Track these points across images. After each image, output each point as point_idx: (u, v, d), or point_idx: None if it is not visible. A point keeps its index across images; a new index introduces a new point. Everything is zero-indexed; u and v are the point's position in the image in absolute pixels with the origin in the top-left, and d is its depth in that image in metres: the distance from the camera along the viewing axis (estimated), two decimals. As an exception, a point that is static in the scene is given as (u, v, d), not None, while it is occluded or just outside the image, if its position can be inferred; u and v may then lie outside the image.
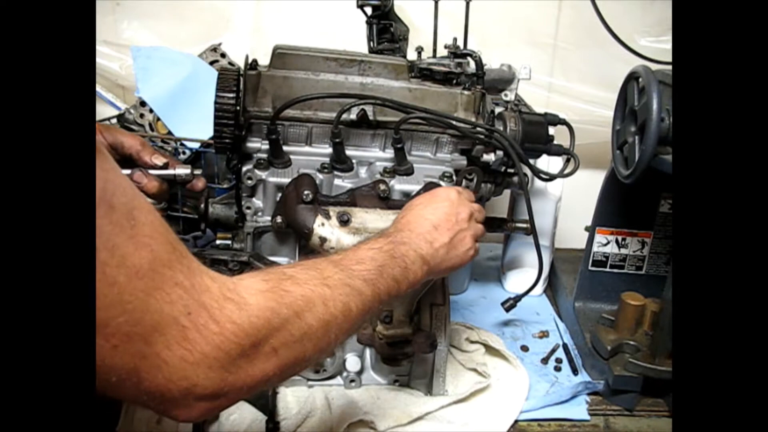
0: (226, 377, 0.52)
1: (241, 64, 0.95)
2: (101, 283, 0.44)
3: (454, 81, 1.01)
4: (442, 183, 0.98)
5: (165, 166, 0.88)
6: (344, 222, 0.89)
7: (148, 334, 0.47)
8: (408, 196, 0.97)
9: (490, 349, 1.13)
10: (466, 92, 0.99)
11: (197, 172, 0.92)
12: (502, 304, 1.18)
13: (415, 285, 0.77)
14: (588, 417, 1.03)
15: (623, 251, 1.23)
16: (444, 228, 0.82)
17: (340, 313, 0.63)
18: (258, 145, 0.95)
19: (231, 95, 0.90)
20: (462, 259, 0.85)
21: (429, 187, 0.95)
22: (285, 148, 0.96)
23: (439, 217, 0.82)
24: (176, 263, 0.50)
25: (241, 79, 0.93)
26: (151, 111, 1.27)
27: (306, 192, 0.90)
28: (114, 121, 1.29)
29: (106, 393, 0.48)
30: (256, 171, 0.95)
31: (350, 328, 0.65)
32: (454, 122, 0.97)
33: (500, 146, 0.98)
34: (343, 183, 0.97)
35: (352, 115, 0.94)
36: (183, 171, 0.90)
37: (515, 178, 1.04)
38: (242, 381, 0.53)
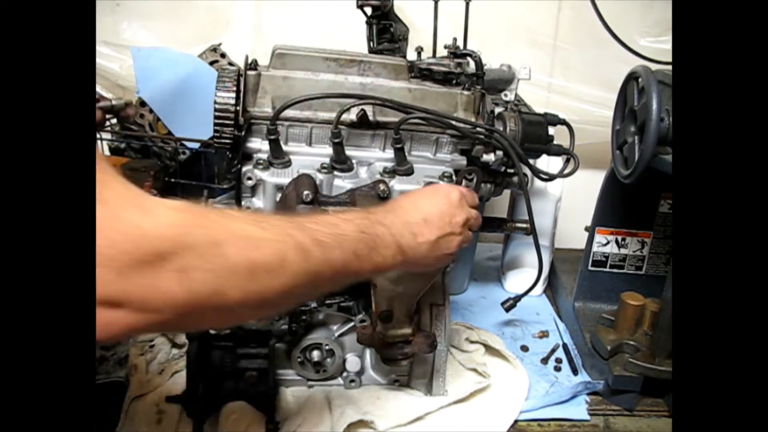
0: (121, 281, 0.48)
1: (241, 64, 0.95)
2: None
3: (454, 81, 1.01)
4: (442, 183, 0.98)
5: (97, 101, 1.01)
6: (344, 222, 0.89)
7: None
8: (408, 196, 0.97)
9: (490, 349, 1.13)
10: (465, 92, 0.99)
11: (128, 101, 1.06)
12: (502, 304, 1.18)
13: (383, 270, 0.73)
14: (588, 417, 1.03)
15: (623, 251, 1.23)
16: (434, 225, 0.78)
17: (274, 259, 0.58)
18: (258, 145, 0.95)
19: (231, 95, 0.90)
20: (439, 262, 0.81)
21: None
22: (285, 148, 0.96)
23: (433, 212, 0.79)
24: (107, 182, 0.50)
25: (241, 79, 0.93)
26: (151, 111, 1.27)
27: (306, 192, 0.90)
28: (114, 121, 1.29)
29: None
30: (256, 171, 0.95)
31: (286, 282, 0.59)
32: (453, 122, 0.97)
33: (500, 146, 0.98)
34: (343, 183, 0.97)
35: (352, 116, 0.94)
36: (117, 101, 1.05)
37: (515, 178, 1.04)
38: (142, 293, 0.50)
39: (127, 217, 0.50)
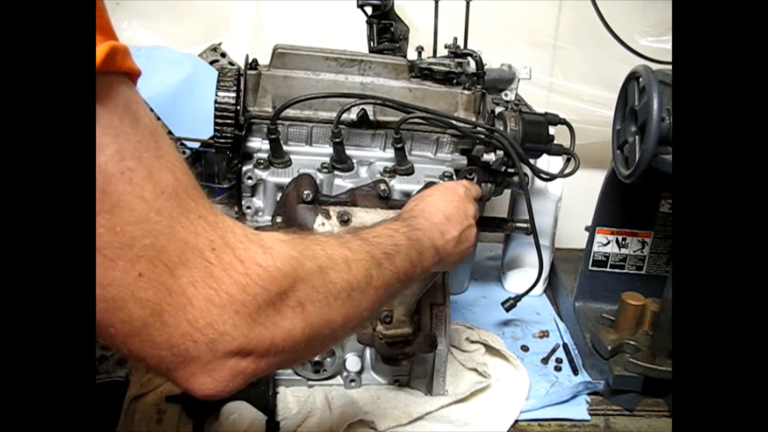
0: (253, 327, 0.47)
1: (241, 64, 0.95)
2: (129, 194, 0.43)
3: (455, 81, 1.01)
4: (443, 181, 0.98)
5: None
6: (345, 222, 0.89)
7: (173, 264, 0.44)
8: (408, 196, 0.97)
9: (490, 349, 1.13)
10: (466, 92, 0.99)
11: None
12: (502, 304, 1.18)
13: (426, 273, 0.75)
14: (588, 417, 1.03)
15: (623, 251, 1.23)
16: (455, 221, 0.81)
17: (363, 278, 0.59)
18: (258, 144, 0.95)
19: (231, 95, 0.90)
20: (463, 255, 0.84)
21: (429, 186, 0.95)
22: (285, 147, 0.96)
23: (451, 210, 0.82)
24: (198, 198, 0.48)
25: (242, 78, 0.93)
26: (151, 111, 1.27)
27: (306, 192, 0.90)
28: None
29: (127, 344, 0.45)
30: (257, 171, 0.95)
31: (373, 299, 0.61)
32: (454, 122, 0.97)
33: (500, 146, 0.98)
34: (343, 183, 0.97)
35: (353, 115, 0.94)
36: None
37: (515, 178, 1.04)
38: (270, 335, 0.49)
39: (251, 257, 0.49)
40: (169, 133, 1.27)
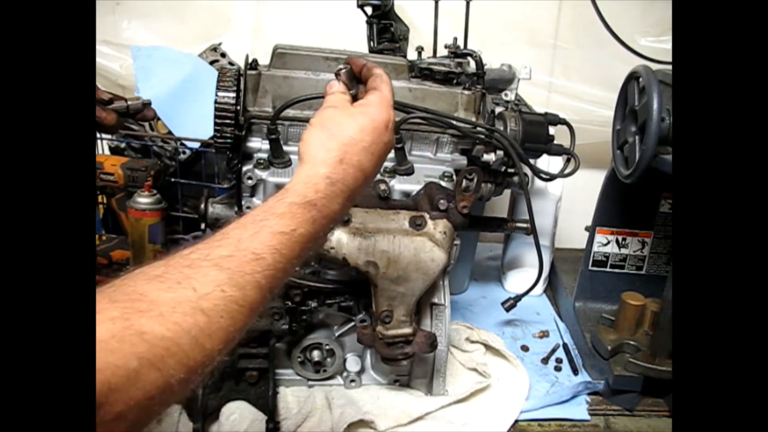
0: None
1: (241, 64, 0.95)
2: None
3: (455, 81, 1.01)
4: (442, 183, 0.98)
5: (110, 102, 0.91)
6: (344, 222, 0.89)
7: None
8: (408, 196, 0.97)
9: (490, 349, 1.13)
10: (466, 92, 0.99)
11: (146, 101, 0.95)
12: (502, 304, 1.18)
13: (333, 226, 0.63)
14: (588, 417, 1.03)
15: (623, 251, 1.23)
16: (372, 149, 0.65)
17: (222, 341, 0.49)
18: (258, 144, 0.95)
19: (231, 95, 0.90)
20: (385, 150, 0.68)
21: (429, 186, 0.95)
22: (285, 147, 0.96)
23: (369, 136, 0.65)
24: None
25: (242, 78, 0.93)
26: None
27: (306, 192, 0.89)
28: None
29: None
30: (257, 171, 0.95)
31: (234, 344, 0.52)
32: (454, 122, 0.97)
33: (500, 146, 0.98)
34: (343, 183, 0.96)
35: (353, 115, 0.94)
36: (133, 102, 0.93)
37: (515, 178, 1.04)
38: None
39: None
40: (169, 132, 1.27)
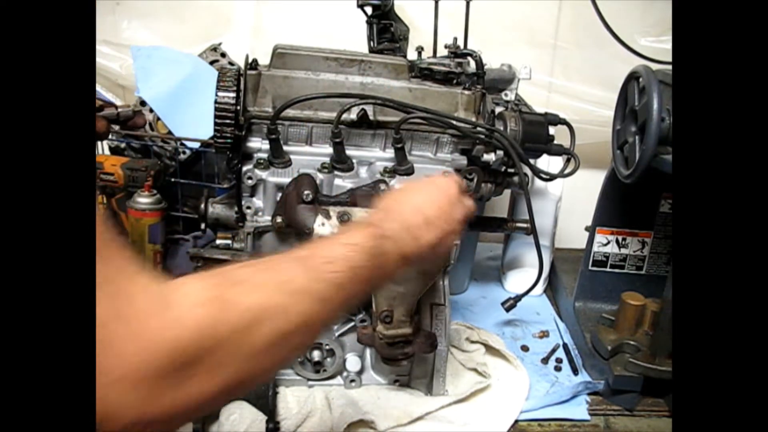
0: (152, 399, 0.45)
1: (241, 64, 0.95)
2: None
3: (455, 81, 1.01)
4: (437, 176, 0.97)
5: (101, 109, 0.93)
6: (344, 222, 0.89)
7: None
8: (408, 196, 0.97)
9: (490, 349, 1.13)
10: (466, 92, 0.99)
11: (137, 109, 0.96)
12: (502, 304, 1.18)
13: (388, 282, 0.71)
14: (588, 417, 1.03)
15: (623, 251, 1.23)
16: (434, 225, 0.73)
17: (301, 323, 0.55)
18: (258, 144, 0.95)
19: (231, 95, 0.90)
20: (438, 260, 0.78)
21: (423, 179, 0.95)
22: (285, 147, 0.96)
23: (434, 212, 0.74)
24: (102, 266, 0.44)
25: (242, 78, 0.93)
26: (151, 111, 1.27)
27: (306, 192, 0.90)
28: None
29: None
30: (257, 171, 0.95)
31: (310, 340, 0.58)
32: (454, 122, 0.97)
33: (500, 146, 0.98)
34: (343, 183, 0.97)
35: (353, 115, 0.94)
36: (124, 109, 0.95)
37: (515, 178, 1.04)
38: (169, 408, 0.46)
39: (152, 330, 0.45)
40: (169, 132, 1.27)
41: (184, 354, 0.46)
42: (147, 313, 0.46)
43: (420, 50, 1.12)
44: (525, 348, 1.19)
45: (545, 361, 1.16)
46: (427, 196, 0.76)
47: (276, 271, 0.56)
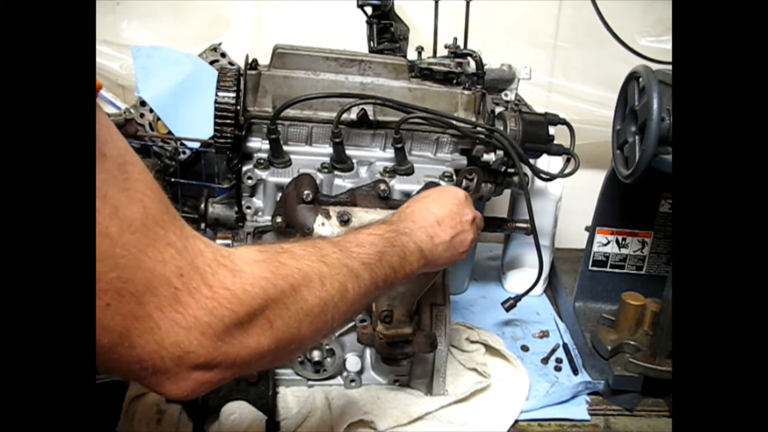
0: (219, 345, 0.50)
1: (241, 64, 0.95)
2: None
3: (455, 81, 1.01)
4: (442, 183, 0.98)
5: None
6: (344, 222, 0.89)
7: (140, 293, 0.46)
8: (408, 196, 0.97)
9: (490, 349, 1.13)
10: (466, 92, 0.99)
11: (129, 117, 0.95)
12: (502, 304, 1.18)
13: (410, 276, 0.76)
14: (588, 417, 1.03)
15: (623, 251, 1.23)
16: (447, 225, 0.81)
17: (337, 292, 0.61)
18: (258, 144, 0.95)
19: (231, 95, 0.90)
20: (455, 259, 0.84)
21: (429, 186, 0.95)
22: (285, 147, 0.96)
23: (444, 213, 0.81)
24: (169, 223, 0.49)
25: (242, 78, 0.93)
26: (151, 111, 1.27)
27: (306, 192, 0.90)
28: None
29: (100, 363, 0.47)
30: (256, 171, 0.95)
31: (347, 311, 0.63)
32: (454, 122, 0.97)
33: (500, 146, 0.98)
34: (343, 183, 0.97)
35: (353, 115, 0.94)
36: (115, 117, 0.96)
37: (515, 178, 1.04)
38: (236, 352, 0.52)
39: (219, 281, 0.50)
40: (169, 132, 1.27)
41: (247, 304, 0.52)
42: (215, 266, 0.51)
43: (420, 50, 1.12)
44: (525, 348, 1.19)
45: (545, 361, 1.16)
46: (438, 201, 0.83)
47: (315, 247, 0.63)
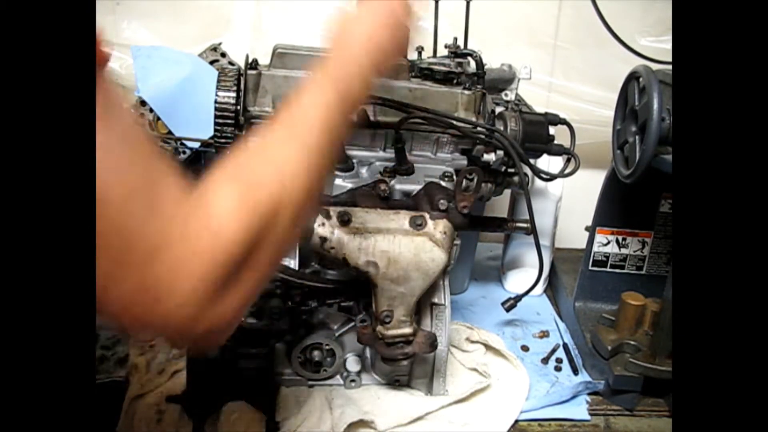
0: (212, 316, 0.51)
1: (242, 64, 0.95)
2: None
3: (455, 81, 1.01)
4: (442, 183, 0.98)
5: None
6: (344, 222, 0.89)
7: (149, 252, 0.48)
8: (408, 196, 0.97)
9: (490, 349, 1.13)
10: (466, 92, 0.99)
11: None
12: (503, 304, 1.18)
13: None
14: (588, 417, 1.03)
15: (623, 251, 1.23)
16: (381, 32, 0.72)
17: (322, 173, 0.63)
18: (258, 144, 0.95)
19: (231, 95, 0.91)
20: (402, 34, 0.77)
21: (429, 186, 0.95)
22: (285, 147, 0.96)
23: (384, 37, 0.72)
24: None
25: (242, 78, 0.93)
26: (151, 111, 1.27)
27: (306, 192, 0.89)
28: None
29: (129, 317, 0.48)
30: (257, 171, 0.95)
31: (317, 183, 0.63)
32: (454, 122, 0.97)
33: (501, 146, 0.98)
34: (343, 183, 0.97)
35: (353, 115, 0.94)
36: None
37: (515, 178, 1.04)
38: (230, 312, 0.53)
39: (207, 243, 0.50)
40: (169, 132, 1.27)
41: (234, 263, 0.52)
42: (199, 231, 0.50)
43: (420, 50, 1.12)
44: (525, 348, 1.19)
45: (545, 361, 1.15)
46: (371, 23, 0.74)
47: (288, 126, 0.63)
